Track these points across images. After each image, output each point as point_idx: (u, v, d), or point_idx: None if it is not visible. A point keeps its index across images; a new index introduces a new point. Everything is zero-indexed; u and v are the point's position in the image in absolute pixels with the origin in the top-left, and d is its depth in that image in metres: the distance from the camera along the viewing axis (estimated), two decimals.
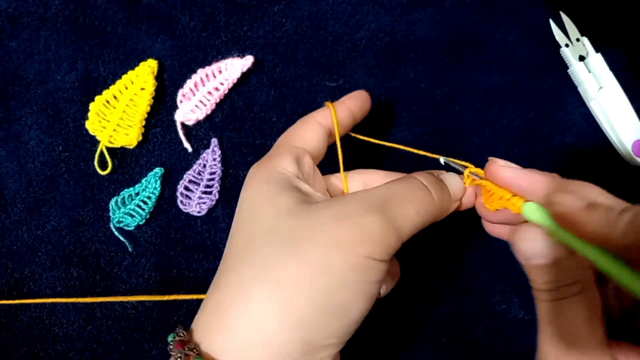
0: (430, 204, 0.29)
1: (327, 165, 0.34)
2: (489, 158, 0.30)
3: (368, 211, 0.26)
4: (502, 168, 0.28)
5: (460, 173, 0.31)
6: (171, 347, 0.27)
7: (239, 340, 0.26)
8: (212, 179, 0.40)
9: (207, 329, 0.27)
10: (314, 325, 0.25)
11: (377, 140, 0.36)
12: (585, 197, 0.24)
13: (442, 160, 0.33)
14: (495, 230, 0.31)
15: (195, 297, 0.39)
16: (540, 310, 0.25)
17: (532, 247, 0.25)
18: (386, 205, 0.27)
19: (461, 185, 0.31)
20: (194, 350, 0.26)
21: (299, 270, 0.25)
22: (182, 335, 0.27)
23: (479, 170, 0.31)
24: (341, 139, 0.34)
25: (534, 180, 0.27)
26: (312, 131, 0.33)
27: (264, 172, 0.30)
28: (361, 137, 0.36)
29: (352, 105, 0.34)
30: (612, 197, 0.24)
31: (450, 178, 0.31)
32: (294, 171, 0.30)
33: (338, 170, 0.34)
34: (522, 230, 0.26)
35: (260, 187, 0.29)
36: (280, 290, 0.25)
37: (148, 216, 0.40)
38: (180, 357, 0.26)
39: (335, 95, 0.41)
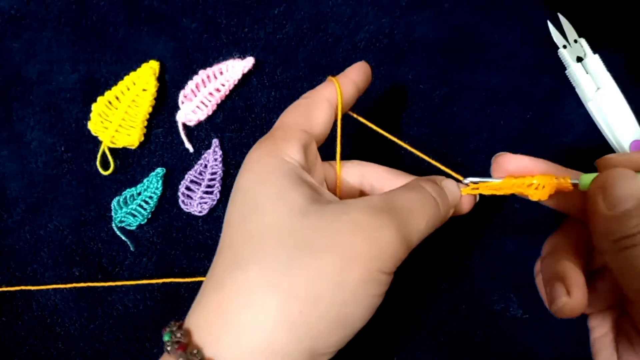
0: (437, 216, 0.29)
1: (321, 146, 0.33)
2: (495, 156, 0.30)
3: (385, 224, 0.26)
4: (515, 158, 0.30)
5: (458, 181, 0.31)
6: (169, 348, 0.25)
7: (247, 347, 0.24)
8: (214, 179, 0.40)
9: (210, 332, 0.25)
10: (321, 337, 0.25)
11: (377, 127, 0.34)
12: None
13: (467, 180, 0.31)
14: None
15: (197, 279, 0.39)
16: (624, 260, 0.25)
17: (629, 187, 0.25)
18: (401, 218, 0.27)
19: (458, 193, 0.31)
20: (197, 355, 0.24)
21: (313, 281, 0.24)
22: (179, 335, 0.25)
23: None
24: (338, 120, 0.32)
25: (545, 166, 0.29)
26: (322, 112, 0.31)
27: (270, 159, 0.28)
28: (362, 120, 0.34)
29: (356, 78, 0.33)
30: None
31: (449, 185, 0.31)
32: (301, 161, 0.29)
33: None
34: (616, 174, 0.26)
35: (268, 178, 0.27)
36: (293, 300, 0.24)
37: (150, 216, 0.41)
38: None
39: None
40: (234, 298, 0.25)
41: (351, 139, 0.34)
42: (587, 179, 0.28)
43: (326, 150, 0.32)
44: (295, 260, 0.25)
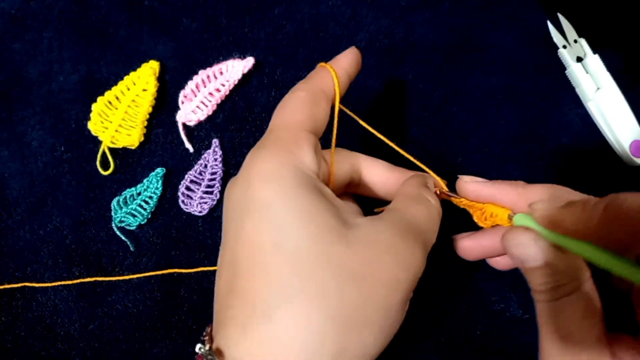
0: (439, 224, 0.30)
1: None
2: (458, 176, 0.31)
3: (415, 248, 0.27)
4: (467, 184, 0.31)
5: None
6: None
7: None
8: (213, 179, 0.41)
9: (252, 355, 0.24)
10: (365, 357, 0.26)
11: (363, 122, 0.33)
12: (559, 197, 0.26)
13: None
14: (499, 263, 0.33)
15: (200, 269, 0.39)
16: (539, 311, 0.25)
17: (525, 252, 0.25)
18: (423, 237, 0.28)
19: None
20: None
21: (363, 309, 0.25)
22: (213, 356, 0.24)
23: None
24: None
25: (502, 191, 0.30)
26: (323, 109, 0.30)
27: (289, 171, 0.26)
28: (351, 113, 0.33)
29: (347, 65, 0.32)
30: (583, 194, 0.26)
31: (431, 183, 0.32)
32: (316, 170, 0.28)
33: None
34: (513, 236, 0.26)
35: (292, 195, 0.26)
36: (347, 331, 0.24)
37: (150, 216, 0.41)
38: None
39: None
40: (290, 333, 0.24)
41: (340, 131, 0.33)
42: (517, 221, 0.28)
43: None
44: (344, 290, 0.24)
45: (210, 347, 0.25)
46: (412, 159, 0.33)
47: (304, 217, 0.25)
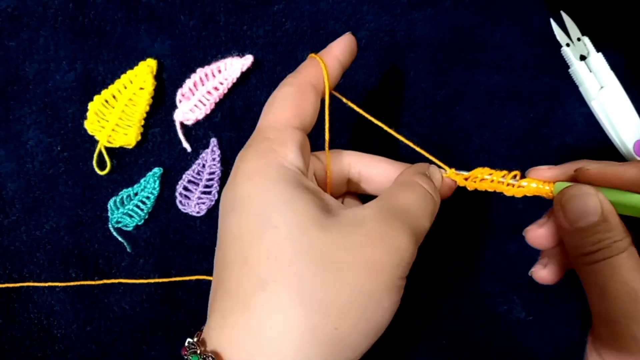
0: (435, 210, 0.29)
1: None
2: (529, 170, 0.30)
3: (399, 231, 0.26)
4: (544, 171, 0.30)
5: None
6: None
7: None
8: (211, 179, 0.40)
9: (241, 355, 0.25)
10: (352, 348, 0.25)
11: (360, 109, 0.32)
12: (608, 162, 0.26)
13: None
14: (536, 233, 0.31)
15: (194, 278, 0.39)
16: (588, 278, 0.25)
17: (585, 205, 0.25)
18: (410, 221, 0.27)
19: (440, 178, 0.31)
20: None
21: (342, 296, 0.24)
22: (209, 356, 0.25)
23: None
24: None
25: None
26: (310, 102, 0.29)
27: (270, 167, 0.27)
28: (346, 100, 0.32)
29: (340, 55, 0.31)
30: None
31: (435, 173, 0.31)
32: (300, 165, 0.28)
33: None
34: (573, 192, 0.26)
35: (272, 188, 0.26)
36: (325, 318, 0.24)
37: (147, 216, 0.40)
38: None
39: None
40: (264, 319, 0.24)
41: (333, 123, 0.33)
42: (560, 187, 0.28)
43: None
44: (320, 277, 0.24)
45: (198, 340, 0.26)
46: (409, 143, 0.33)
47: (283, 208, 0.26)
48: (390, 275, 0.25)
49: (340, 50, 0.31)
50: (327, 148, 0.31)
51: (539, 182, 0.29)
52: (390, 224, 0.26)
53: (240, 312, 0.25)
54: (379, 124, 0.33)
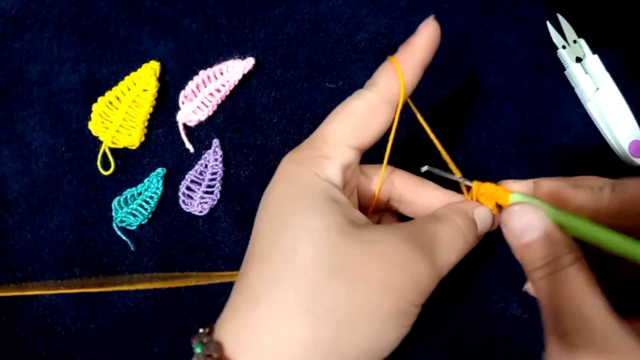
0: (465, 249, 0.28)
1: None
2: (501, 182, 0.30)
3: (419, 257, 0.25)
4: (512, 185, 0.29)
5: (447, 179, 0.31)
6: None
7: None
8: (214, 179, 0.41)
9: (243, 350, 0.25)
10: (330, 351, 0.25)
11: (426, 125, 0.30)
12: (567, 180, 0.26)
13: (423, 169, 0.30)
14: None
15: (195, 283, 0.39)
16: (539, 290, 0.25)
17: (525, 221, 0.25)
18: (435, 252, 0.26)
19: (490, 220, 0.30)
20: None
21: (347, 308, 0.24)
22: (212, 349, 0.25)
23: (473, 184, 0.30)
24: None
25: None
26: (380, 123, 0.28)
27: (304, 174, 0.27)
28: (417, 111, 0.30)
29: (423, 55, 0.28)
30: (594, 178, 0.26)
31: (482, 214, 0.29)
32: (337, 181, 0.27)
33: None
34: (513, 208, 0.26)
35: (301, 192, 0.26)
36: (327, 326, 0.24)
37: (150, 216, 0.41)
38: None
39: (335, 96, 0.41)
40: (269, 317, 0.25)
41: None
42: (515, 199, 0.27)
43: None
44: (331, 284, 0.24)
45: (210, 331, 0.26)
46: (435, 140, 0.31)
47: (307, 213, 0.26)
48: (400, 298, 0.25)
49: (423, 49, 0.28)
50: (383, 172, 0.30)
51: (497, 189, 0.28)
52: (411, 249, 0.26)
53: (250, 309, 0.25)
54: (436, 143, 0.31)
